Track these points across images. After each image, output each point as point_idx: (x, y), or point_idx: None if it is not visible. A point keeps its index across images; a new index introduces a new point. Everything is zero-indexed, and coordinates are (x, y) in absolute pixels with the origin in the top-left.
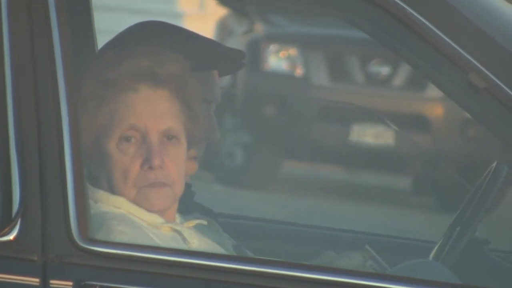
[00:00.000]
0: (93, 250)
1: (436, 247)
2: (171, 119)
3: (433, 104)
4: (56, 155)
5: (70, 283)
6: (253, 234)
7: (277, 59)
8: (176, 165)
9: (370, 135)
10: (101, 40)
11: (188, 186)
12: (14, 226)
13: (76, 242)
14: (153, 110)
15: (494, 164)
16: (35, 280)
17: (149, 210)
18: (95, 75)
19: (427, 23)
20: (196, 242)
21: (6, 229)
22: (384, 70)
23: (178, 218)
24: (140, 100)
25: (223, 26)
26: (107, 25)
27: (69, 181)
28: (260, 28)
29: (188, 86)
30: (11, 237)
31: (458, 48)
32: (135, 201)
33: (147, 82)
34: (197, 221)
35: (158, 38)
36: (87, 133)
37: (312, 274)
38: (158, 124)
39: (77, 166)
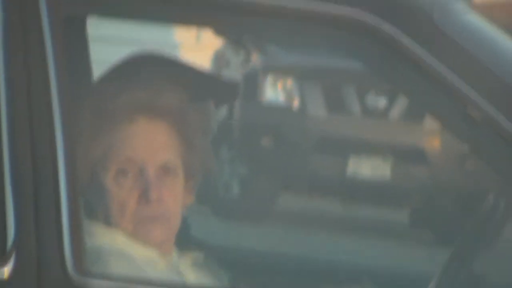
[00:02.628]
0: (88, 285)
1: (434, 281)
2: (168, 152)
3: (431, 136)
4: (51, 188)
5: None
6: (249, 267)
7: (274, 90)
8: (174, 198)
9: (367, 167)
10: (97, 71)
11: (184, 218)
12: (8, 260)
13: (71, 276)
14: (150, 143)
15: (492, 197)
16: None
17: (146, 244)
18: (92, 107)
19: (425, 54)
20: (192, 277)
21: (1, 263)
22: (382, 101)
23: (174, 252)
24: (138, 132)
25: (219, 57)
26: (103, 55)
27: (64, 215)
28: (257, 59)
29: (186, 118)
30: (5, 271)
31: (456, 80)
32: (132, 235)
33: (144, 114)
34: (194, 256)
35: (153, 68)
36: (84, 165)
37: None
38: (156, 157)
39: (73, 200)
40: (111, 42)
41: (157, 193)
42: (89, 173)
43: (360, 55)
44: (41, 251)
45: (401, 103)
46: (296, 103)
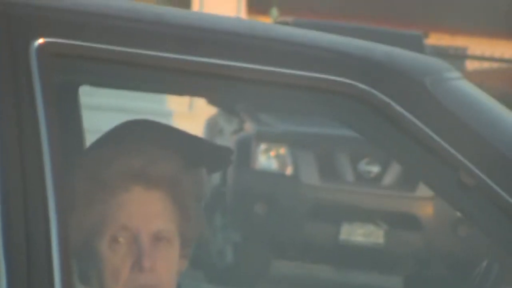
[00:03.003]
0: None
1: None
2: (163, 220)
3: (424, 203)
4: (44, 255)
5: None
6: None
7: (267, 158)
8: (168, 267)
9: (361, 234)
10: (90, 139)
11: (177, 285)
12: None
13: None
14: (145, 211)
15: (485, 262)
16: None
17: None
18: (86, 174)
19: (417, 121)
20: None
21: None
22: (375, 168)
23: None
24: (132, 200)
25: (212, 125)
26: (96, 124)
27: (56, 282)
28: (249, 127)
29: (181, 186)
30: None
31: (448, 147)
32: None
33: (139, 183)
34: None
35: (147, 135)
36: (77, 232)
37: None
38: (150, 225)
39: (65, 267)
40: (104, 111)
41: (151, 261)
42: (83, 239)
43: (353, 123)
44: None
45: (394, 170)
46: (289, 170)
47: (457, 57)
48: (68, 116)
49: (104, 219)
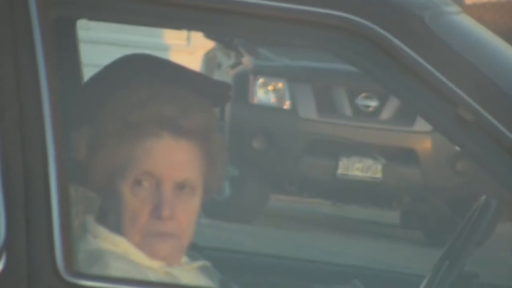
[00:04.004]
0: (79, 284)
1: (425, 281)
2: (189, 170)
3: (422, 138)
4: (42, 188)
5: None
6: (240, 268)
7: (265, 93)
8: (188, 217)
9: (358, 168)
10: (88, 74)
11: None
12: None
13: (62, 276)
14: (171, 160)
15: (483, 198)
16: None
17: (151, 256)
18: (117, 116)
19: (416, 56)
20: (190, 280)
21: None
22: (373, 103)
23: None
24: (160, 147)
25: (210, 60)
26: (93, 58)
27: (54, 215)
28: (248, 61)
29: (212, 139)
30: None
31: (447, 81)
32: (138, 246)
33: (170, 131)
34: (197, 264)
35: (145, 71)
36: (102, 169)
37: None
38: (175, 174)
39: (63, 200)
40: (102, 44)
41: (170, 210)
42: (107, 177)
43: (352, 57)
44: (31, 252)
45: (392, 105)
46: (287, 104)
47: None
48: (65, 50)
49: (130, 161)
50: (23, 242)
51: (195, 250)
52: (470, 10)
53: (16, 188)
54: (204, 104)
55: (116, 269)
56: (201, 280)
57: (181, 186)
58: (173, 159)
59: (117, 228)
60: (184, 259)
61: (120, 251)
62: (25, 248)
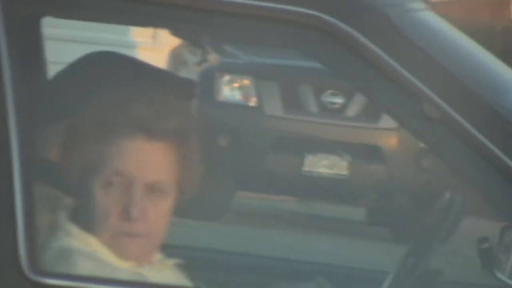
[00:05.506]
0: (44, 283)
1: (389, 278)
2: (161, 171)
3: (388, 134)
4: (5, 187)
5: None
6: (205, 266)
7: (231, 90)
8: (159, 218)
9: (324, 165)
10: (53, 71)
11: None
12: None
13: (26, 274)
14: (144, 161)
15: (448, 194)
16: None
17: (121, 257)
18: (91, 115)
19: (381, 53)
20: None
21: None
22: (339, 100)
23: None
24: (133, 148)
25: (176, 57)
26: (59, 56)
27: (18, 214)
28: (213, 58)
29: (187, 139)
30: None
31: (412, 78)
32: (108, 246)
33: (143, 133)
34: (168, 263)
35: (109, 68)
36: (75, 167)
37: None
38: (146, 175)
39: (27, 199)
40: (66, 42)
41: (140, 211)
42: (79, 175)
43: (318, 54)
44: None
45: (357, 102)
46: (253, 101)
47: None
48: (30, 47)
49: (101, 161)
50: None
51: (169, 248)
52: (436, 7)
53: None
54: (179, 105)
55: (84, 268)
56: (172, 277)
57: (152, 188)
58: (145, 160)
59: (88, 226)
60: (157, 257)
61: (90, 250)
62: None
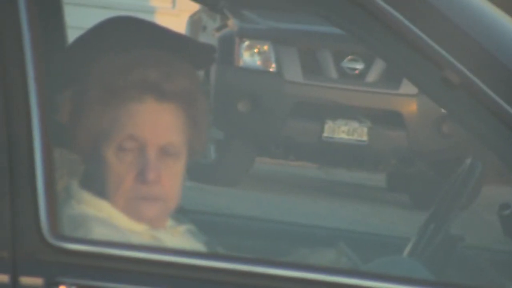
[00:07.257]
0: (64, 247)
1: (410, 244)
2: (173, 133)
3: (408, 100)
4: (26, 151)
5: (41, 280)
6: (226, 231)
7: (251, 55)
8: (173, 180)
9: (344, 131)
10: (72, 36)
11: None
12: None
13: (46, 239)
14: (155, 123)
15: (468, 161)
16: (4, 277)
17: (135, 220)
18: (101, 80)
19: (402, 19)
20: (176, 243)
21: None
22: (359, 66)
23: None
24: (144, 111)
25: (195, 22)
26: (78, 21)
27: (39, 180)
28: (233, 24)
29: (195, 101)
30: None
31: (434, 44)
32: (122, 210)
33: (153, 95)
34: (182, 227)
35: (128, 34)
36: (86, 134)
37: (286, 271)
38: (159, 137)
39: (47, 163)
40: (86, 7)
41: (155, 174)
42: (92, 143)
43: (338, 19)
44: (15, 215)
45: (377, 67)
46: (272, 67)
47: None
48: (50, 12)
49: (113, 126)
50: (7, 206)
51: (180, 213)
52: None
53: (0, 151)
54: (187, 67)
55: (99, 233)
56: (186, 243)
57: (165, 150)
58: (157, 122)
59: (101, 192)
60: (169, 222)
61: (104, 215)
62: (9, 211)
